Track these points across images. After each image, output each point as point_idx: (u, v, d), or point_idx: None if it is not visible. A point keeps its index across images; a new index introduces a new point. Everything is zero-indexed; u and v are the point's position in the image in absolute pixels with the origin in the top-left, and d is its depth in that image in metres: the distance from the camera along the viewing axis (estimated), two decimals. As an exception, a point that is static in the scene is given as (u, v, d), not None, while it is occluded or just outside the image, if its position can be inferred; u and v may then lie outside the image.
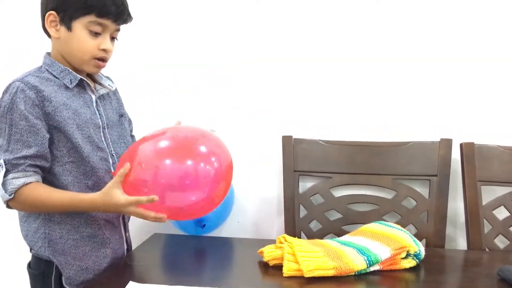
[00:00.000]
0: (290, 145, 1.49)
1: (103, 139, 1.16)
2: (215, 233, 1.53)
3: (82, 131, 1.11)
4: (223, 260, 1.25)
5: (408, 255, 1.12)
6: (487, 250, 1.37)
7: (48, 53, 1.16)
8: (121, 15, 1.11)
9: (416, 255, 1.12)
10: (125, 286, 0.98)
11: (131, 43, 1.51)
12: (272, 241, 1.21)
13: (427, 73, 1.49)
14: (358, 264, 1.07)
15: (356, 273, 1.07)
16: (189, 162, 1.05)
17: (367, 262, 1.07)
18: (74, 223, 1.13)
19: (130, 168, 1.04)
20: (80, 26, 1.08)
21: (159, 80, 1.60)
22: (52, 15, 1.08)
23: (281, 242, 1.17)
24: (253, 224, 1.60)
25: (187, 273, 1.15)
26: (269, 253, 1.13)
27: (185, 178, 1.04)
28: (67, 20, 1.08)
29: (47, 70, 1.12)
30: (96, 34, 1.09)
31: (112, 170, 1.16)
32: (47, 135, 1.07)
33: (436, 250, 1.35)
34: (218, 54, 1.57)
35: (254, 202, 1.59)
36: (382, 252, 1.10)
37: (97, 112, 1.16)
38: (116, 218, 1.20)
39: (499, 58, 1.45)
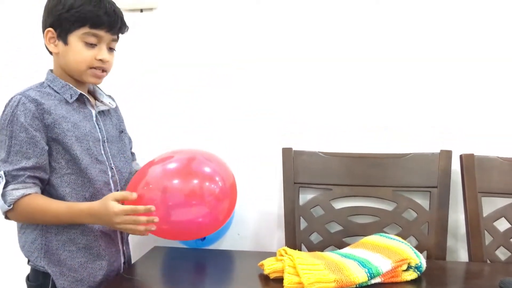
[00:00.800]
0: (290, 157, 1.49)
1: (102, 152, 1.18)
2: (215, 246, 1.53)
3: (81, 143, 1.13)
4: (224, 273, 1.24)
5: (409, 267, 1.12)
6: (488, 262, 1.36)
7: (51, 70, 1.19)
8: (115, 25, 1.14)
9: (417, 267, 1.12)
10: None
11: (131, 44, 1.53)
12: (273, 254, 1.21)
13: (427, 85, 1.49)
14: (359, 276, 1.06)
15: (357, 285, 1.06)
16: (195, 181, 1.12)
17: (368, 274, 1.07)
18: (70, 234, 1.14)
19: (136, 195, 1.09)
20: (75, 38, 1.12)
21: (159, 80, 1.62)
22: (50, 31, 1.13)
23: (281, 255, 1.16)
24: (253, 237, 1.59)
25: (186, 286, 1.14)
26: (269, 266, 1.13)
27: (191, 196, 1.11)
28: (63, 35, 1.12)
29: (48, 85, 1.15)
30: (91, 45, 1.13)
31: (111, 183, 1.18)
32: (46, 147, 1.09)
33: (437, 262, 1.34)
34: (218, 54, 1.58)
35: (254, 214, 1.59)
36: (383, 265, 1.09)
37: (96, 126, 1.18)
38: (113, 231, 1.20)
39: (499, 69, 1.45)
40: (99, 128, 1.19)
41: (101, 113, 1.22)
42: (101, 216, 1.06)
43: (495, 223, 1.38)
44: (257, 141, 1.57)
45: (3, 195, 1.06)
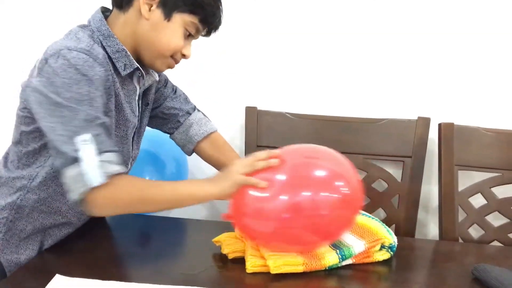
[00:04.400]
0: (253, 117, 1.34)
1: (131, 141, 1.01)
2: (163, 212, 1.35)
3: (119, 129, 0.97)
4: (172, 248, 1.07)
5: (382, 247, 1.01)
6: (460, 240, 1.28)
7: (104, 14, 0.95)
8: (215, 30, 1.01)
9: (390, 247, 1.01)
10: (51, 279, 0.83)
11: None
12: (231, 225, 1.05)
13: (407, 47, 1.37)
14: (330, 259, 0.94)
15: (327, 268, 0.94)
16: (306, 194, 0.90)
17: (340, 256, 0.95)
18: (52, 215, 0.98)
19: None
20: (180, 20, 0.94)
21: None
22: None
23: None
24: (209, 203, 1.45)
25: (126, 265, 0.98)
26: (228, 246, 0.98)
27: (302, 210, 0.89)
28: (170, 7, 0.93)
29: (100, 42, 0.92)
30: (188, 36, 0.98)
31: None
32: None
33: (406, 240, 1.22)
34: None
35: (210, 176, 1.43)
36: (356, 246, 0.98)
37: (137, 109, 1.02)
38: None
39: (485, 33, 1.34)
40: (139, 111, 1.02)
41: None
42: (220, 175, 0.95)
43: (470, 199, 1.30)
44: (221, 98, 1.42)
45: (100, 166, 0.80)
